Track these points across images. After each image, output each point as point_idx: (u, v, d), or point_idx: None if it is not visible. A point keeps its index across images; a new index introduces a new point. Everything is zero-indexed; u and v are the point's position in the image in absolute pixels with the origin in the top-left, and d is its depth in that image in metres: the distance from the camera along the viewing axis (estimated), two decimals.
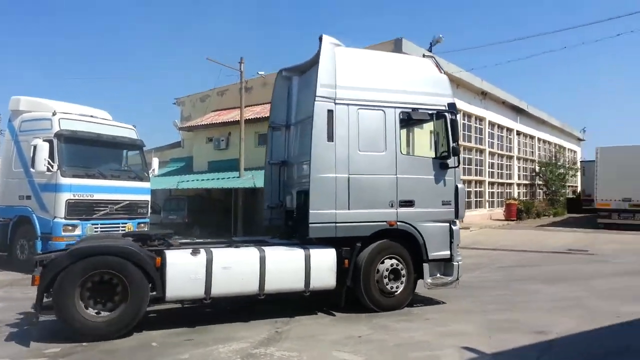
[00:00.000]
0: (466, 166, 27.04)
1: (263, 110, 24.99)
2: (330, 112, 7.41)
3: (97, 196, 11.79)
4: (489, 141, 30.19)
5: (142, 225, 12.80)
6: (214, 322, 6.88)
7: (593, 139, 62.86)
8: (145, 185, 13.12)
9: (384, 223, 7.66)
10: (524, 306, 8.17)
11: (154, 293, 6.34)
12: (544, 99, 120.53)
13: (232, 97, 25.92)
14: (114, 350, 5.72)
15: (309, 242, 7.51)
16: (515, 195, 33.99)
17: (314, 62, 8.25)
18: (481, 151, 29.53)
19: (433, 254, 7.86)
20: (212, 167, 25.93)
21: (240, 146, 22.45)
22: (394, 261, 7.72)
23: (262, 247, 7.19)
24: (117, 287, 6.17)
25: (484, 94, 28.68)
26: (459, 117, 8.35)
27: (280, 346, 5.82)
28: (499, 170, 32.41)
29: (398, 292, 7.71)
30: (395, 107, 7.86)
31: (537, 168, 37.11)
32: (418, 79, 8.28)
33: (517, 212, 29.62)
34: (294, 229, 8.47)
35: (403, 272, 7.75)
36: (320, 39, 7.63)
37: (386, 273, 7.62)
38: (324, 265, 7.24)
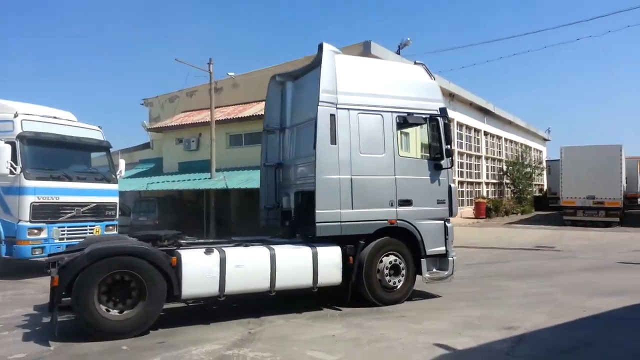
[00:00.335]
0: None
1: (233, 112, 24.83)
2: (332, 117, 7.71)
3: (63, 199, 11.52)
4: (457, 141, 30.66)
5: (111, 227, 12.56)
6: (186, 324, 6.77)
7: (557, 139, 64.60)
8: (113, 187, 12.87)
9: (385, 221, 8.02)
10: (494, 302, 8.31)
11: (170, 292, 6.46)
12: (510, 101, 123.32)
13: (202, 98, 25.64)
14: (82, 354, 5.57)
15: (312, 240, 7.79)
16: (484, 194, 34.64)
17: (309, 68, 8.79)
18: None
19: (430, 250, 8.24)
20: (182, 168, 25.61)
21: (212, 147, 22.23)
22: (393, 257, 8.06)
23: (272, 246, 7.41)
24: (133, 287, 6.30)
25: (451, 96, 29.11)
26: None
27: (254, 347, 5.77)
28: (468, 170, 32.96)
29: (398, 286, 8.05)
30: (392, 112, 8.23)
31: (505, 167, 37.91)
32: (412, 85, 8.65)
33: (486, 211, 30.19)
34: (293, 228, 8.83)
35: (402, 267, 8.09)
36: (321, 47, 7.93)
37: (387, 269, 7.95)
38: (331, 262, 7.54)
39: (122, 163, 13.47)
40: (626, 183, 27.48)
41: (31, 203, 10.93)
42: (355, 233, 7.80)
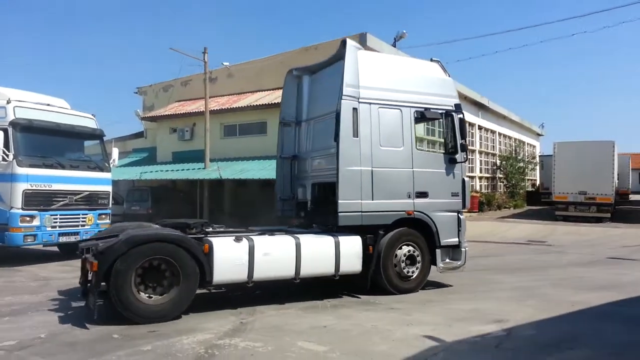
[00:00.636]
0: None
1: (228, 102, 24.75)
2: (355, 110, 7.95)
3: (56, 186, 11.50)
4: None
5: (104, 216, 12.57)
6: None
7: (551, 134, 64.92)
8: (106, 175, 12.85)
9: (403, 212, 8.33)
10: (485, 295, 8.39)
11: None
12: (504, 95, 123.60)
13: (197, 88, 25.50)
14: (73, 342, 5.58)
15: (332, 230, 8.06)
16: (477, 188, 34.70)
17: (327, 63, 9.14)
18: None
19: (444, 241, 8.58)
20: (176, 158, 25.54)
21: (206, 137, 22.18)
22: (410, 247, 8.36)
23: (297, 235, 7.64)
24: (166, 272, 6.51)
25: None
26: None
27: (245, 337, 5.80)
28: None
29: (414, 276, 8.35)
30: (410, 107, 8.51)
31: (498, 162, 37.99)
32: (429, 81, 8.94)
33: (479, 204, 30.25)
34: (310, 218, 9.16)
35: (418, 257, 8.39)
36: (344, 43, 8.15)
37: (403, 258, 8.25)
38: (352, 251, 7.79)
39: (115, 152, 13.43)
40: (618, 179, 27.66)
41: (24, 190, 10.91)
42: (375, 223, 8.07)
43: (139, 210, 23.01)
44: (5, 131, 10.84)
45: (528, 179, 40.63)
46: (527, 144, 45.88)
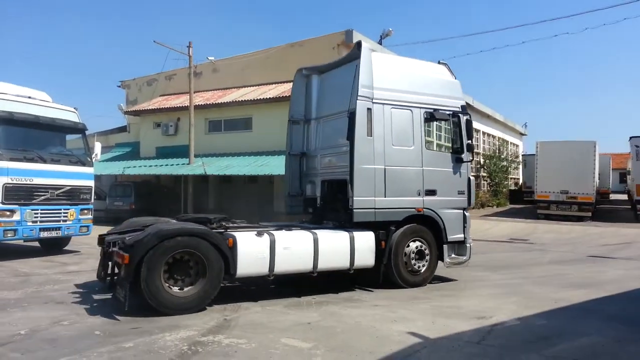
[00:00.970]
0: None
1: (213, 97, 24.58)
2: (369, 110, 8.21)
3: (37, 181, 11.30)
4: (437, 134, 30.81)
5: (86, 211, 12.40)
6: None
7: (534, 133, 65.59)
8: (88, 170, 12.65)
9: (413, 209, 8.65)
10: (468, 293, 8.48)
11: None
12: (488, 95, 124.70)
13: (181, 82, 25.30)
14: (54, 339, 5.49)
15: (344, 226, 8.34)
16: None
17: (338, 63, 9.47)
18: None
19: (451, 237, 8.94)
20: (160, 153, 25.30)
21: (190, 132, 22.00)
22: (419, 243, 8.68)
23: (314, 230, 7.91)
24: (191, 265, 6.75)
25: None
26: None
27: (229, 333, 5.76)
28: None
29: (422, 270, 8.68)
30: (420, 107, 8.82)
31: (482, 161, 38.32)
32: (437, 83, 9.23)
33: None
34: (320, 214, 9.44)
35: (427, 252, 8.72)
36: (359, 45, 8.42)
37: (413, 253, 8.57)
38: (366, 246, 8.07)
39: (97, 146, 13.24)
40: (599, 179, 28.06)
41: (4, 184, 10.70)
42: (387, 219, 8.36)
43: (121, 205, 22.78)
44: None
45: (511, 178, 41.02)
46: (511, 143, 46.31)
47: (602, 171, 32.04)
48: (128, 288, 6.32)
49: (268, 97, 22.16)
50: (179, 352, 5.08)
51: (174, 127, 24.99)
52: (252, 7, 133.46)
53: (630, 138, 23.76)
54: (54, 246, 12.77)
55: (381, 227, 8.31)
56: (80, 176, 12.30)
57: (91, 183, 12.72)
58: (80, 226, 12.24)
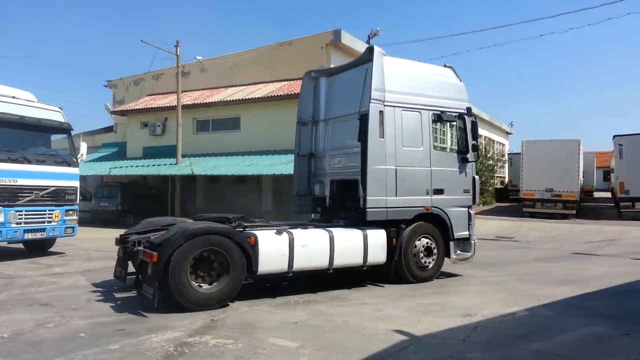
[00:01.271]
0: None
1: (201, 97, 24.46)
2: (381, 113, 8.49)
3: (21, 181, 11.16)
4: None
5: (71, 212, 12.27)
6: (146, 311, 6.68)
7: (520, 132, 66.15)
8: (74, 170, 12.53)
9: (422, 208, 9.00)
10: (455, 290, 8.57)
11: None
12: (474, 94, 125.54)
13: (169, 82, 25.12)
14: (38, 342, 5.44)
15: (355, 225, 8.55)
16: None
17: (348, 66, 9.81)
18: None
19: (457, 234, 9.30)
20: (147, 153, 25.12)
21: (178, 132, 21.89)
22: (427, 240, 9.01)
23: (329, 228, 8.14)
24: (214, 263, 6.98)
25: None
26: None
27: (216, 334, 5.75)
28: None
29: (430, 266, 9.02)
30: (428, 109, 9.14)
31: None
32: (444, 85, 9.57)
33: None
34: (329, 214, 9.75)
35: (434, 249, 9.05)
36: (372, 49, 8.71)
37: (422, 250, 8.89)
38: (378, 244, 8.35)
39: (83, 146, 13.14)
40: (583, 177, 28.42)
41: None
42: (397, 218, 8.68)
43: (107, 206, 22.59)
44: None
45: (497, 177, 41.37)
46: (497, 142, 46.69)
47: (587, 169, 32.47)
48: (157, 286, 6.44)
49: (256, 96, 22.10)
50: (165, 354, 5.05)
51: (162, 127, 24.83)
52: (252, 7, 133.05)
53: (614, 137, 24.11)
54: (39, 248, 12.63)
55: (392, 225, 8.59)
56: (65, 177, 12.17)
57: (76, 184, 12.60)
58: (65, 227, 12.12)
